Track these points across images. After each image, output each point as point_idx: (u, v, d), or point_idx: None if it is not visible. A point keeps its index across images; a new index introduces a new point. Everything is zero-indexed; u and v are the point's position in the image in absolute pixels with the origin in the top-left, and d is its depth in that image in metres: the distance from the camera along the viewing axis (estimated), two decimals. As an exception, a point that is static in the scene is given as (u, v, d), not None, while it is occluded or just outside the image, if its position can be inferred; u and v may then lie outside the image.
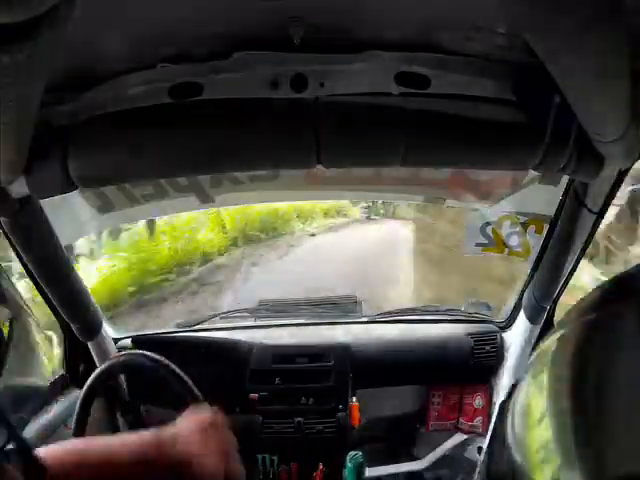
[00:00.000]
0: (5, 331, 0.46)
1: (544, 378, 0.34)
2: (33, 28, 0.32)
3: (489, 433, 1.43)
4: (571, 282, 1.20)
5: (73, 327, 1.14)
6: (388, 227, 6.20)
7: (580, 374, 0.31)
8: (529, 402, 0.35)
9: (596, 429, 0.28)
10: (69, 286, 1.05)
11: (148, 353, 1.05)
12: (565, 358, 0.32)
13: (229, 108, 0.72)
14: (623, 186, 0.91)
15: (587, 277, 2.54)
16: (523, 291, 1.29)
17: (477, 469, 1.46)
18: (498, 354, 1.43)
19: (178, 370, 1.02)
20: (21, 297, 0.56)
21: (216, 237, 5.51)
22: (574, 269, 1.16)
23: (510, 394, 0.39)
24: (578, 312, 0.34)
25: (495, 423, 1.41)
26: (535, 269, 1.21)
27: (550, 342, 0.36)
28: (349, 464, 1.28)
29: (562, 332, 0.35)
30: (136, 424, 1.06)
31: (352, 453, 1.30)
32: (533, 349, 1.32)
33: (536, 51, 0.49)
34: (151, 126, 0.73)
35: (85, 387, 1.04)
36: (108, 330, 1.28)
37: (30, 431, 1.06)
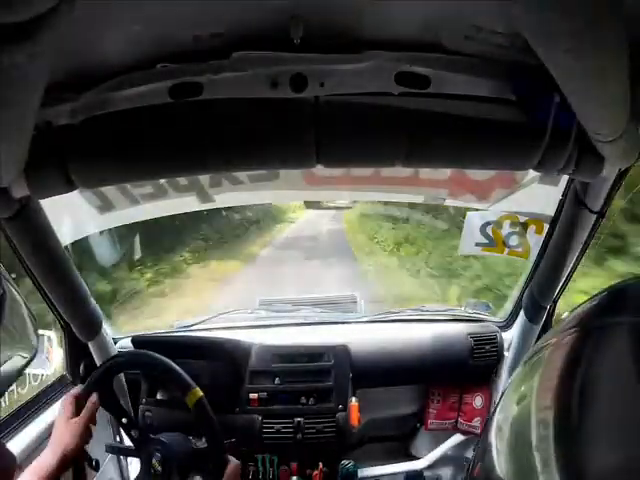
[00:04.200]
0: None
1: (532, 386, 0.34)
2: (33, 28, 0.32)
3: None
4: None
5: (73, 327, 1.14)
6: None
7: (566, 384, 0.31)
8: (513, 409, 0.35)
9: (576, 439, 0.29)
10: (69, 286, 1.05)
11: (150, 352, 1.05)
12: (553, 367, 0.33)
13: (229, 108, 0.72)
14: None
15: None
16: (523, 291, 1.30)
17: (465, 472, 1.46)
18: (498, 354, 1.43)
19: (179, 369, 1.03)
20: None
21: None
22: (574, 269, 1.16)
23: (497, 402, 0.40)
24: (570, 322, 0.35)
25: (485, 426, 1.41)
26: (535, 269, 1.21)
27: (540, 350, 0.36)
28: (341, 473, 1.29)
29: (553, 341, 0.35)
30: (130, 427, 1.05)
31: (344, 462, 1.31)
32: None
33: (536, 51, 0.49)
34: (151, 126, 0.73)
35: (85, 386, 1.04)
36: (108, 330, 1.28)
37: (31, 431, 1.06)
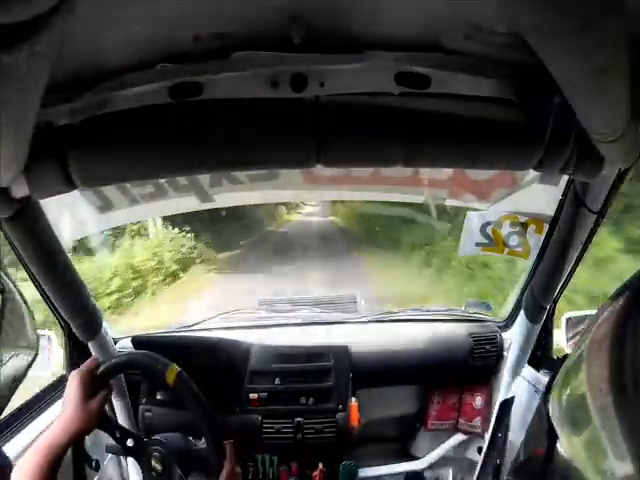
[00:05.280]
0: None
1: (583, 369, 0.34)
2: (33, 28, 0.32)
3: (489, 432, 1.43)
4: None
5: (73, 327, 1.14)
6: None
7: (617, 358, 0.30)
8: (571, 397, 0.35)
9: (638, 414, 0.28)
10: (69, 286, 1.05)
11: (151, 353, 1.05)
12: (603, 344, 0.32)
13: (229, 108, 0.72)
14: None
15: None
16: (523, 291, 1.30)
17: (477, 468, 1.47)
18: (498, 354, 1.43)
19: (151, 353, 1.02)
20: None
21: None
22: (574, 269, 1.16)
23: (548, 388, 0.39)
24: (612, 300, 0.34)
25: (496, 422, 1.42)
26: (535, 269, 1.21)
27: (587, 334, 0.35)
28: (342, 473, 1.29)
29: (598, 323, 0.34)
30: (125, 437, 1.04)
31: (345, 462, 1.31)
32: (534, 348, 1.33)
33: (536, 51, 0.49)
34: (151, 126, 0.73)
35: (104, 367, 1.03)
36: (108, 330, 1.28)
37: (31, 431, 1.06)
